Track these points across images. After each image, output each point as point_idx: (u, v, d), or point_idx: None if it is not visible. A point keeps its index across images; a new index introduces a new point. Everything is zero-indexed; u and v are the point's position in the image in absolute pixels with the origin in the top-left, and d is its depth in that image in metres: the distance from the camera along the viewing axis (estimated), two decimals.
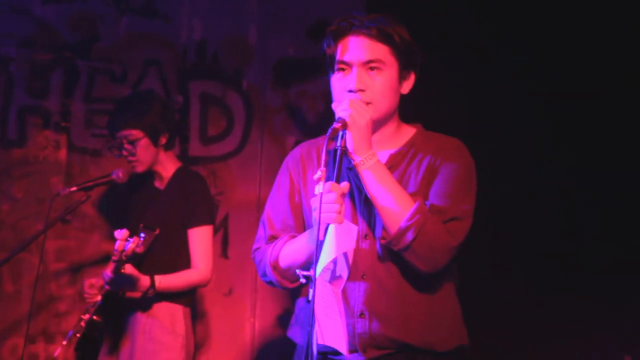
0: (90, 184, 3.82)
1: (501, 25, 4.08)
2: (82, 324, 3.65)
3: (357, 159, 2.40)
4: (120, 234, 3.32)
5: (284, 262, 2.51)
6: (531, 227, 4.00)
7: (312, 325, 2.22)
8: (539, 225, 4.00)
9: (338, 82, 2.49)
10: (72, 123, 4.57)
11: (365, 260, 2.47)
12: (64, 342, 3.71)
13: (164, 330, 3.71)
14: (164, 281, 3.63)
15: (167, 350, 3.69)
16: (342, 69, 2.48)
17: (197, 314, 4.54)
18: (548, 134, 4.04)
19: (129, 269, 3.48)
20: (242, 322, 4.53)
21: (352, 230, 2.30)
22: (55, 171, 4.53)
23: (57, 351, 3.84)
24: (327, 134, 2.31)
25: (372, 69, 2.46)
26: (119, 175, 3.80)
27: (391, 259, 2.46)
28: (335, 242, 2.23)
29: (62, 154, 4.55)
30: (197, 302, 4.55)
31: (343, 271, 2.29)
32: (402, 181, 2.48)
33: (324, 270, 2.25)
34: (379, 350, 2.45)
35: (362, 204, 2.50)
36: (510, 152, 4.01)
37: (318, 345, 2.32)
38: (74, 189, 3.77)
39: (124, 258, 3.33)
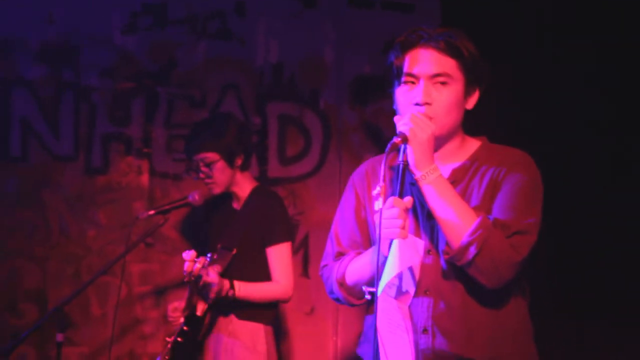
0: (168, 207, 3.87)
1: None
2: (168, 346, 3.69)
3: (418, 174, 2.36)
4: (188, 255, 3.35)
5: (350, 278, 2.49)
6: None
7: (375, 342, 2.18)
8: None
9: (403, 96, 2.46)
10: (154, 148, 4.67)
11: (428, 275, 2.42)
12: None
13: (246, 350, 3.72)
14: (243, 288, 3.64)
15: None
16: (409, 82, 2.45)
17: (280, 333, 4.55)
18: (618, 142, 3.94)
19: (212, 273, 3.51)
20: (325, 341, 4.51)
21: (418, 245, 2.28)
22: (138, 196, 4.62)
23: None
24: (387, 149, 2.28)
25: (440, 83, 2.42)
26: (195, 197, 3.85)
27: (455, 275, 2.41)
28: (399, 257, 2.20)
29: (145, 179, 4.64)
30: (279, 321, 4.56)
31: (409, 287, 2.26)
32: (465, 195, 2.43)
33: (388, 286, 2.23)
34: None
35: (424, 219, 2.46)
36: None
37: None
38: (152, 212, 3.83)
39: (192, 279, 3.36)
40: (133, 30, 4.68)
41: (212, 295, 3.56)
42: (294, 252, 4.57)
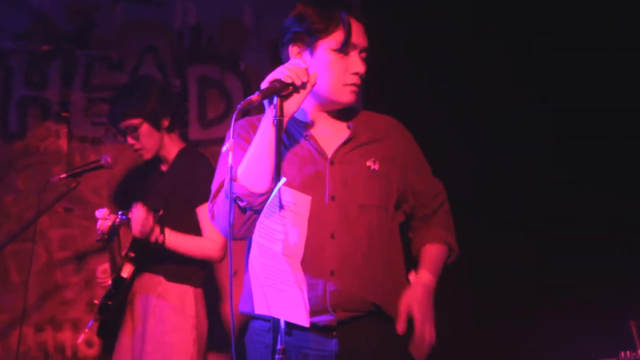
0: (79, 169, 3.83)
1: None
2: (95, 309, 3.67)
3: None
4: (101, 213, 3.33)
5: (243, 173, 2.45)
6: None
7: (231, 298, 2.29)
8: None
9: (339, 62, 2.55)
10: (72, 112, 4.60)
11: (333, 220, 2.51)
12: (87, 330, 3.71)
13: (174, 311, 3.71)
14: (174, 237, 3.63)
15: (176, 331, 3.68)
16: (345, 50, 2.55)
17: (214, 295, 4.54)
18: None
19: (140, 208, 3.52)
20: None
21: (305, 200, 2.30)
22: (56, 161, 4.56)
23: (80, 338, 3.86)
24: (241, 104, 2.29)
25: (364, 57, 2.61)
26: (107, 160, 3.81)
27: (357, 220, 2.53)
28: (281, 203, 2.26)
29: (63, 143, 4.58)
30: (213, 282, 4.54)
31: (299, 241, 2.27)
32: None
33: (272, 241, 2.24)
34: (349, 312, 2.47)
35: (328, 166, 2.56)
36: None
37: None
38: (63, 175, 3.78)
39: (104, 237, 3.34)
40: None
41: (137, 234, 3.53)
42: None
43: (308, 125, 2.63)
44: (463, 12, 4.11)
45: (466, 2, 4.13)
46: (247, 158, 2.46)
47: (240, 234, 2.47)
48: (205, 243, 3.72)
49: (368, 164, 2.60)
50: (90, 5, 4.62)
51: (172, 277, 3.72)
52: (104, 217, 3.35)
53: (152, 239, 3.59)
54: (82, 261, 4.47)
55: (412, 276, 2.61)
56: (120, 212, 3.41)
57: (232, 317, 2.20)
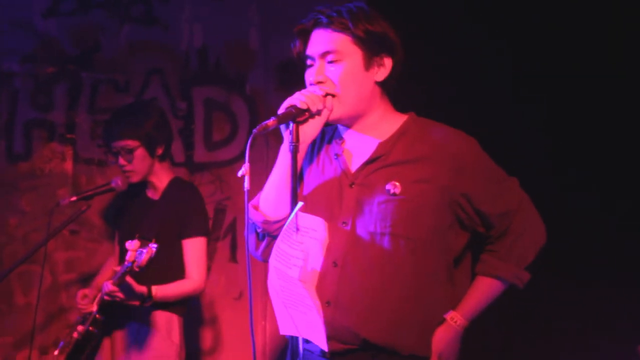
0: (90, 193, 3.82)
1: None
2: (75, 334, 3.64)
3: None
4: (132, 245, 3.29)
5: (263, 199, 2.49)
6: None
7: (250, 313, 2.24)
8: None
9: (306, 77, 2.51)
10: (77, 134, 4.60)
11: (338, 247, 2.43)
12: (56, 353, 3.71)
13: (160, 338, 3.72)
14: (160, 291, 3.61)
15: (162, 357, 3.70)
16: (309, 64, 2.49)
17: (207, 319, 4.55)
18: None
19: (129, 280, 3.46)
20: (254, 325, 4.50)
21: (318, 223, 2.28)
22: (62, 183, 4.56)
23: None
24: (256, 130, 2.35)
25: (331, 60, 2.44)
26: (118, 183, 3.80)
27: (366, 250, 2.42)
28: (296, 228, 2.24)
29: (69, 165, 4.58)
30: (208, 307, 4.56)
31: (315, 266, 2.27)
32: (401, 165, 2.48)
33: (289, 267, 2.24)
34: (342, 344, 2.41)
35: (347, 189, 2.48)
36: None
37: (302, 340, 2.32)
38: (74, 198, 3.77)
39: (136, 269, 3.29)
40: (55, 13, 4.60)
41: (126, 299, 3.51)
42: (222, 237, 4.58)
43: (344, 141, 2.56)
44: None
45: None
46: (266, 185, 2.47)
47: (263, 257, 2.48)
48: (187, 284, 3.75)
49: (388, 187, 2.43)
50: (96, 28, 4.62)
51: (159, 305, 3.71)
52: (135, 249, 3.29)
53: (140, 301, 3.56)
54: (87, 284, 4.44)
55: (448, 315, 2.48)
56: (153, 245, 3.33)
57: (252, 337, 2.24)
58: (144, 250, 3.29)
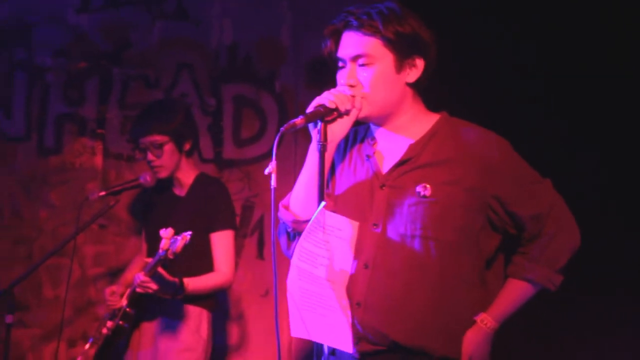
0: (119, 188, 3.86)
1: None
2: (104, 330, 3.68)
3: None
4: (166, 232, 3.32)
5: (293, 198, 2.49)
6: None
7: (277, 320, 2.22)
8: None
9: (338, 79, 2.49)
10: (107, 130, 4.64)
11: (369, 250, 2.41)
12: (86, 347, 3.74)
13: (189, 332, 3.75)
14: (191, 284, 3.64)
15: (189, 351, 3.72)
16: (341, 66, 2.47)
17: (234, 316, 4.56)
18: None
19: (161, 271, 3.49)
20: (281, 322, 4.49)
21: (348, 225, 2.27)
22: (91, 177, 4.59)
23: (79, 358, 3.86)
24: (284, 128, 2.31)
25: (363, 64, 2.42)
26: (147, 179, 3.83)
27: (401, 254, 2.40)
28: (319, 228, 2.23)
29: (98, 160, 4.61)
30: (234, 303, 4.56)
31: (345, 266, 2.26)
32: (432, 168, 2.46)
33: (315, 266, 2.23)
34: (372, 345, 2.39)
35: (378, 191, 2.46)
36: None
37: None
38: (102, 193, 3.82)
39: (170, 257, 3.32)
40: (87, 9, 4.64)
41: (159, 291, 3.54)
42: (249, 234, 4.59)
43: (376, 142, 2.54)
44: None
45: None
46: (296, 184, 2.47)
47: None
48: (216, 277, 3.79)
49: (418, 189, 2.40)
50: (128, 24, 4.65)
51: (190, 300, 3.73)
52: (169, 237, 3.32)
53: (172, 293, 3.59)
54: (115, 278, 4.48)
55: (478, 317, 2.45)
56: (187, 233, 3.35)
57: (277, 336, 2.23)
58: (179, 238, 3.31)
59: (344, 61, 2.45)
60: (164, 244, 3.32)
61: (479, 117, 2.62)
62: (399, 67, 2.45)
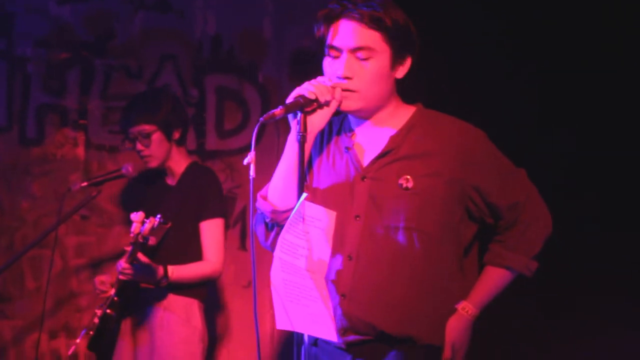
0: (101, 179, 3.86)
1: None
2: (96, 320, 3.67)
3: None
4: (137, 216, 3.33)
5: (271, 189, 2.49)
6: None
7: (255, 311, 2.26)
8: None
9: (329, 67, 2.45)
10: (90, 120, 4.62)
11: (353, 241, 2.43)
12: (78, 340, 3.73)
13: (181, 324, 3.74)
14: (176, 271, 3.64)
15: (185, 343, 3.72)
16: (333, 54, 2.43)
17: (217, 307, 4.56)
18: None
19: (142, 258, 3.50)
20: (262, 313, 4.51)
21: (326, 215, 2.28)
22: (73, 168, 4.58)
23: (71, 349, 3.86)
24: (264, 117, 2.32)
25: (362, 57, 2.39)
26: (129, 169, 3.83)
27: (379, 244, 2.43)
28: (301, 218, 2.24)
29: (80, 151, 4.60)
30: (217, 294, 4.57)
31: (323, 256, 2.27)
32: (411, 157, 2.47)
33: (296, 257, 2.24)
34: (358, 335, 2.42)
35: (358, 183, 2.47)
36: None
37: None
38: (84, 184, 3.82)
39: (140, 240, 3.33)
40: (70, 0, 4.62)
41: (142, 278, 3.56)
42: (232, 225, 4.59)
43: (354, 134, 2.54)
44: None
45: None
46: (274, 174, 2.47)
47: (272, 247, 2.48)
48: (204, 266, 3.78)
49: (400, 181, 2.43)
50: (110, 14, 4.64)
51: (179, 290, 3.73)
52: (140, 221, 3.34)
53: (155, 281, 3.60)
54: (97, 269, 4.48)
55: (459, 305, 2.49)
56: (158, 216, 3.37)
57: (255, 326, 2.27)
58: (147, 221, 3.34)
59: (339, 50, 2.41)
60: (134, 228, 3.34)
61: (454, 108, 2.64)
62: (394, 63, 2.45)
